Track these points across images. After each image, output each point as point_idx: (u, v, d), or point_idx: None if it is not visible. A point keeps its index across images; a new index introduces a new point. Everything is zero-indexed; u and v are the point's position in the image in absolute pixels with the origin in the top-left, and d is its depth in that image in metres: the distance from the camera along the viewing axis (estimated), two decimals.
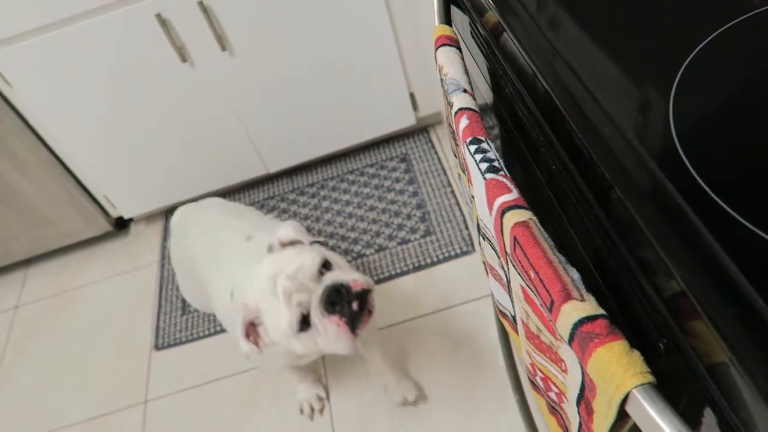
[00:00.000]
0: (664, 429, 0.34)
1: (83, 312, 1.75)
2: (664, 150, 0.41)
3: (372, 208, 1.74)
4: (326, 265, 0.90)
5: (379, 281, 1.56)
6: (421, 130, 1.91)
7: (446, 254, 1.56)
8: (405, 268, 1.57)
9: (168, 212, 1.94)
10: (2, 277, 1.93)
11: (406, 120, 1.79)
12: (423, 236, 1.63)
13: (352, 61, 1.61)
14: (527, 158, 0.58)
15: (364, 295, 0.86)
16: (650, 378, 0.35)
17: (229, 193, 1.93)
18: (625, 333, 0.38)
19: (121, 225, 1.93)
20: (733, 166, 0.39)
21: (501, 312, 0.71)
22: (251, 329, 0.90)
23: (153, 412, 1.46)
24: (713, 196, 0.37)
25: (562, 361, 0.49)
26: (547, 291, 0.39)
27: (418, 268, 1.56)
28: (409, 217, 1.69)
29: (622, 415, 0.40)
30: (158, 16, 1.39)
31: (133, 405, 1.48)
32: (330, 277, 0.87)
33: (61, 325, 1.73)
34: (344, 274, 0.88)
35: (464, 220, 1.62)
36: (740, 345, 0.32)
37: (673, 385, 0.39)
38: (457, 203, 1.67)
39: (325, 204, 1.81)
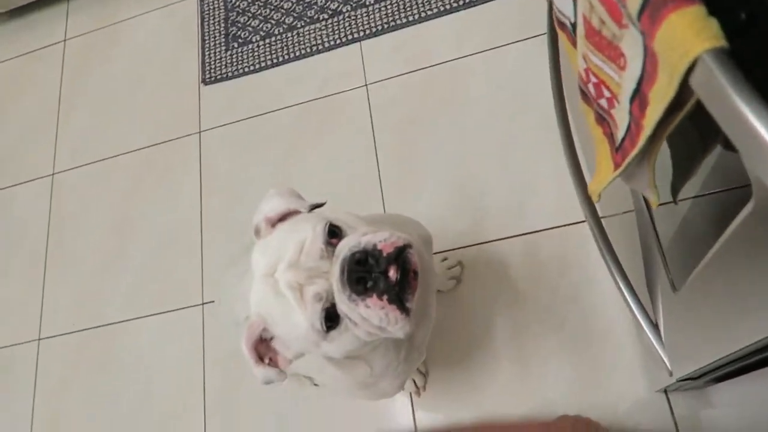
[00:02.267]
0: (735, 99, 0.32)
1: (129, 46, 1.75)
2: None
3: None
4: (335, 232, 0.67)
5: (414, 21, 1.48)
6: None
7: None
8: (444, 8, 1.47)
9: None
10: (45, 11, 1.91)
11: None
12: None
13: None
14: None
15: (401, 255, 0.63)
16: (724, 43, 0.32)
17: None
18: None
19: None
20: None
21: (560, 23, 0.67)
22: (262, 347, 0.69)
23: (207, 141, 1.54)
24: None
25: (622, 55, 0.47)
26: None
27: (468, 5, 1.46)
28: None
29: (681, 99, 0.39)
30: None
31: (188, 134, 1.56)
32: (346, 247, 0.64)
33: (109, 60, 1.75)
34: (364, 235, 0.65)
35: None
36: None
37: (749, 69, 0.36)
38: None
39: None
